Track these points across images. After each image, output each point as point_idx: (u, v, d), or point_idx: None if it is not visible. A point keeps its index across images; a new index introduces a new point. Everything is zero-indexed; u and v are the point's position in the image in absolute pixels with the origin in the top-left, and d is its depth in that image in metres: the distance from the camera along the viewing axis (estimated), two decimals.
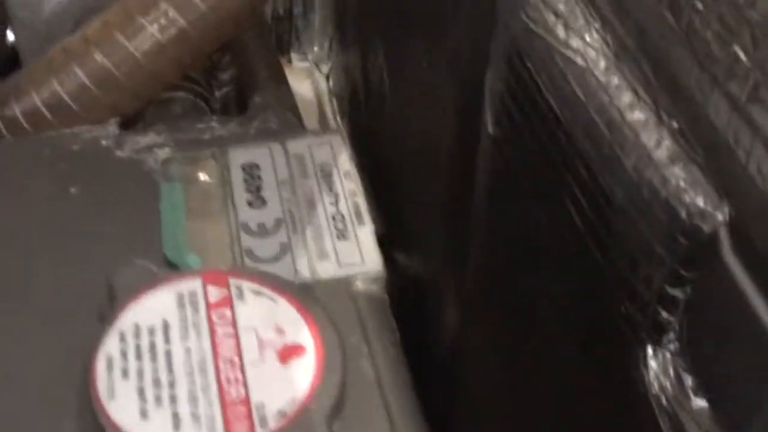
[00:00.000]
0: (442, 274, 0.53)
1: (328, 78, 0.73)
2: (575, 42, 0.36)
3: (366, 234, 0.37)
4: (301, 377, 0.30)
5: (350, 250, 0.37)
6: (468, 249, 0.48)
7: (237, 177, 0.39)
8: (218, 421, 0.28)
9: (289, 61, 0.73)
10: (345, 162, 0.40)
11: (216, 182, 0.40)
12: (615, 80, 0.34)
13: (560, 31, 0.37)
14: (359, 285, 0.36)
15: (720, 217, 0.28)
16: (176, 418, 0.29)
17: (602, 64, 0.35)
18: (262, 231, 0.37)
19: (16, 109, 0.42)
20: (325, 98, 0.74)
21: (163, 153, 0.40)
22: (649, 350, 0.33)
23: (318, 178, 0.39)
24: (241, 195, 0.39)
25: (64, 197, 0.39)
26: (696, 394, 0.31)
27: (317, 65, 0.74)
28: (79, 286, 0.35)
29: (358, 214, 0.38)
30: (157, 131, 0.42)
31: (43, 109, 0.42)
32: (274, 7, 0.69)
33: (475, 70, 0.44)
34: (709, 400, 0.30)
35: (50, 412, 0.31)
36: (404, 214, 0.57)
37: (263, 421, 0.29)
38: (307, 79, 0.74)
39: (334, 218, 0.38)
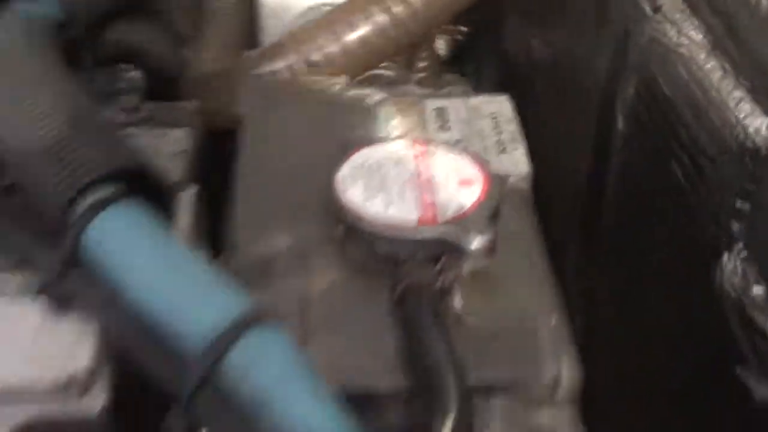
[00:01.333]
0: (575, 276, 0.65)
1: None
2: (684, 40, 0.51)
3: (520, 151, 0.52)
4: (473, 195, 0.44)
5: (508, 160, 0.52)
6: (600, 240, 0.61)
7: (430, 114, 0.55)
8: (415, 207, 0.43)
9: None
10: (508, 111, 0.55)
11: (415, 116, 0.55)
12: (710, 63, 0.48)
13: (673, 36, 0.51)
14: (512, 181, 0.51)
15: None
16: (388, 202, 0.43)
17: (702, 54, 0.49)
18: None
19: (280, 64, 0.60)
20: None
21: (378, 97, 0.56)
22: (725, 256, 0.45)
23: (488, 119, 0.55)
24: (432, 124, 0.54)
25: (307, 117, 0.55)
26: (757, 283, 0.43)
27: None
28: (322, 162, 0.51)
29: (515, 141, 0.53)
30: (374, 87, 0.58)
31: (300, 64, 0.59)
32: None
33: (610, 84, 0.58)
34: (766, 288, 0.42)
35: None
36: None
37: (445, 211, 0.43)
38: None
39: (497, 142, 0.53)
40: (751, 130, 0.44)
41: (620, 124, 0.57)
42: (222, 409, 0.35)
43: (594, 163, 0.62)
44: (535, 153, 0.52)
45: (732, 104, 0.45)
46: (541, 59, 0.73)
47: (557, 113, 0.69)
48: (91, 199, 0.40)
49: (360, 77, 0.61)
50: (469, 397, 0.36)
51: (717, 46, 0.48)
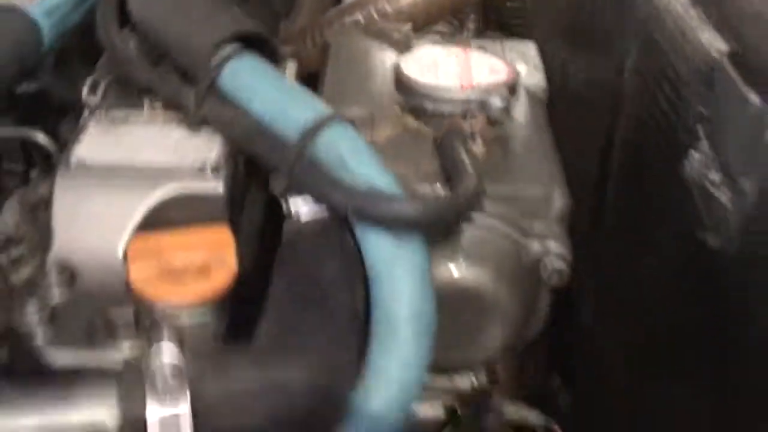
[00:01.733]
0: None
1: None
2: (673, 2, 0.66)
3: (540, 74, 0.68)
4: (499, 77, 0.60)
5: (530, 77, 0.68)
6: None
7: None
8: (457, 80, 0.59)
9: None
10: (533, 51, 0.72)
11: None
12: (690, 13, 0.63)
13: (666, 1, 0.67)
14: (532, 90, 0.66)
15: (723, 48, 0.57)
16: (437, 77, 0.60)
17: (684, 9, 0.64)
18: None
19: (358, 15, 0.77)
20: None
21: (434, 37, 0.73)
22: (692, 152, 0.60)
23: (517, 53, 0.71)
24: None
25: (379, 40, 0.72)
26: (715, 169, 0.58)
27: None
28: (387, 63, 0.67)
29: (537, 68, 0.69)
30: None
31: (374, 14, 0.76)
32: None
33: (621, 54, 0.74)
34: (722, 173, 0.57)
35: None
36: None
37: (478, 84, 0.59)
38: None
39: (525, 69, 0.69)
40: (711, 50, 0.59)
41: (627, 86, 0.73)
42: (312, 174, 0.51)
43: (605, 129, 0.77)
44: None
45: (702, 37, 0.61)
46: (567, 64, 0.89)
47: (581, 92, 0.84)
48: (225, 51, 0.57)
49: (420, 32, 0.78)
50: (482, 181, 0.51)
51: (695, 1, 0.64)
